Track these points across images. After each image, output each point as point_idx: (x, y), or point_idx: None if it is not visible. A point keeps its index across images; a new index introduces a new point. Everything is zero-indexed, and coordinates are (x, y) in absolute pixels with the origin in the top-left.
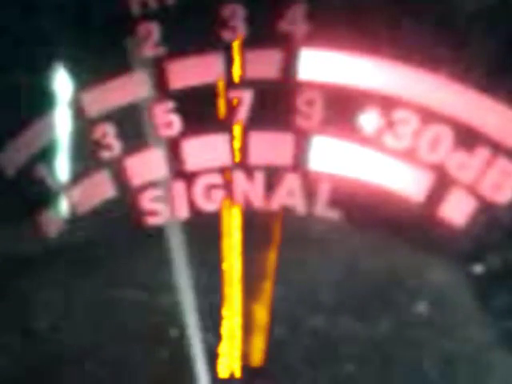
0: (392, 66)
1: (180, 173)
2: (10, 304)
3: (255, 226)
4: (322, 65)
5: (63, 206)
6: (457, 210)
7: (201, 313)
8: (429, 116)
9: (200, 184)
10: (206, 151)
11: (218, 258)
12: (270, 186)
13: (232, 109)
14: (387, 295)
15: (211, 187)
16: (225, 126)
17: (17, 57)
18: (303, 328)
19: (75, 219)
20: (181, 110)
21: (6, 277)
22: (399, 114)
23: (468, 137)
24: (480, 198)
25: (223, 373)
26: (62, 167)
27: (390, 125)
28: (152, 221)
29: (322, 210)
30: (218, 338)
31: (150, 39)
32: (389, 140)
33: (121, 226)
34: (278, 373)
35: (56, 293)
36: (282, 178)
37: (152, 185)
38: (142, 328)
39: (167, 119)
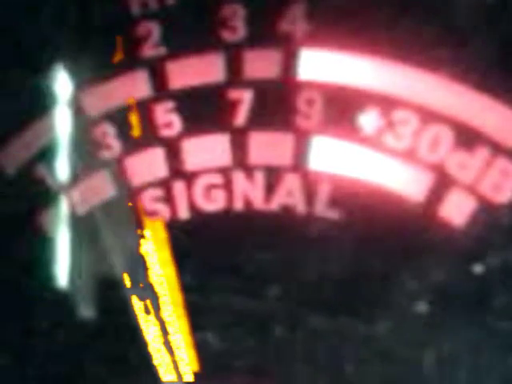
0: (392, 65)
1: (180, 173)
2: None
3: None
4: (321, 65)
5: (63, 206)
6: (457, 210)
7: None
8: (429, 116)
9: (200, 184)
10: (206, 151)
11: None
12: (270, 186)
13: (232, 109)
14: (387, 295)
15: (211, 187)
16: (225, 126)
17: (17, 57)
18: (303, 328)
19: None
20: (181, 110)
21: None
22: (399, 114)
23: (468, 137)
24: (480, 198)
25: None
26: (62, 167)
27: (390, 125)
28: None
29: (322, 209)
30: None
31: (149, 39)
32: (389, 140)
33: None
34: (278, 373)
35: None
36: (281, 177)
37: (152, 185)
38: None
39: (167, 119)
